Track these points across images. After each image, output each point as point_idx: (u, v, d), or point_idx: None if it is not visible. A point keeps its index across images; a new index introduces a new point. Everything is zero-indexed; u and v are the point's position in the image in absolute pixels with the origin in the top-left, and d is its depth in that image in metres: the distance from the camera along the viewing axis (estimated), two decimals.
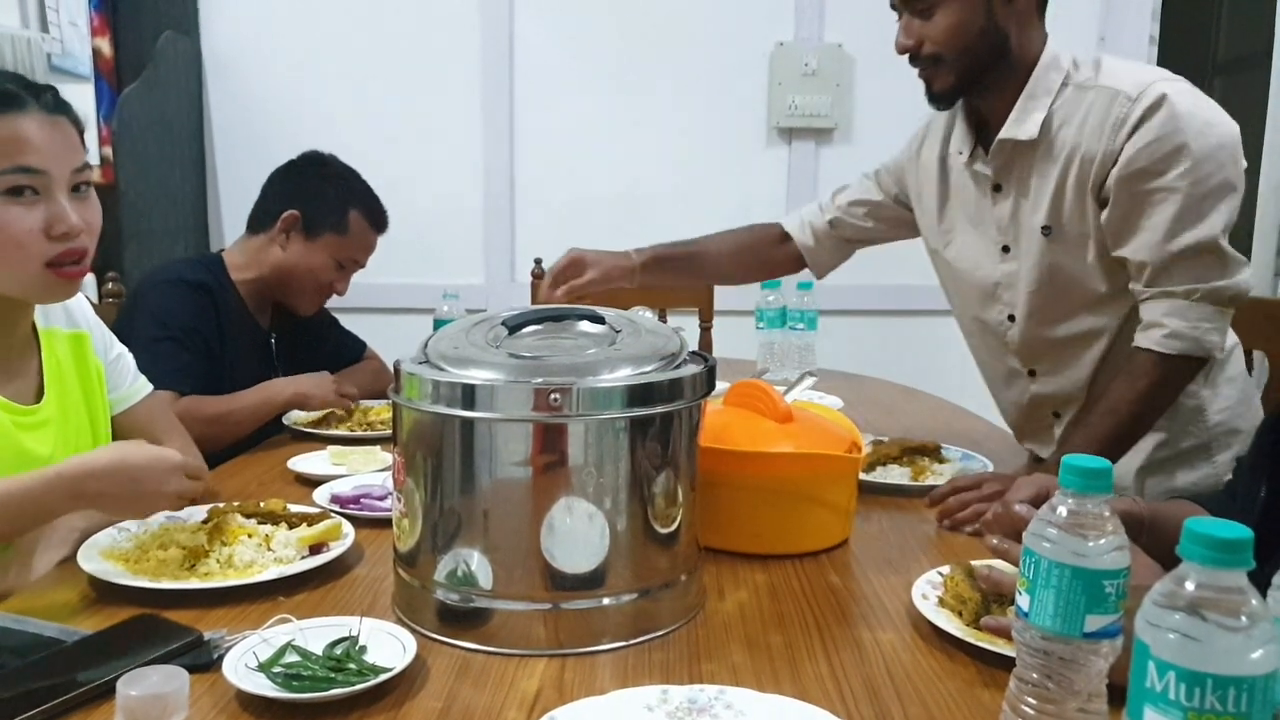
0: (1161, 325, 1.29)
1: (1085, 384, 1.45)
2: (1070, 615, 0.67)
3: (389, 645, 0.86)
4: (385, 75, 2.90)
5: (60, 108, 1.10)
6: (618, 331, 0.99)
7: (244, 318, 1.81)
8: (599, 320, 1.01)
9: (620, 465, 0.90)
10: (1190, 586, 0.55)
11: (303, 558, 1.07)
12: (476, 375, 0.89)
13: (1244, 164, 1.28)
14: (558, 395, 0.86)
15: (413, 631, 0.89)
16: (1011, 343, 1.50)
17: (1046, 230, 1.38)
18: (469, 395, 0.88)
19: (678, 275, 1.77)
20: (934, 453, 1.48)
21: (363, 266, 1.93)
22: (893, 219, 1.68)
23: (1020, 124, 1.36)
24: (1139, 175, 1.27)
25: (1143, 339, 1.31)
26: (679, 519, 0.95)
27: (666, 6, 2.91)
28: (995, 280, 1.48)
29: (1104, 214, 1.32)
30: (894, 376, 2.32)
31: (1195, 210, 1.24)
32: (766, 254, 1.79)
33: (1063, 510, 0.68)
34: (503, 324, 0.98)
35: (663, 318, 2.64)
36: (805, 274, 2.85)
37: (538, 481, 0.89)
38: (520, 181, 2.98)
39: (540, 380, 0.87)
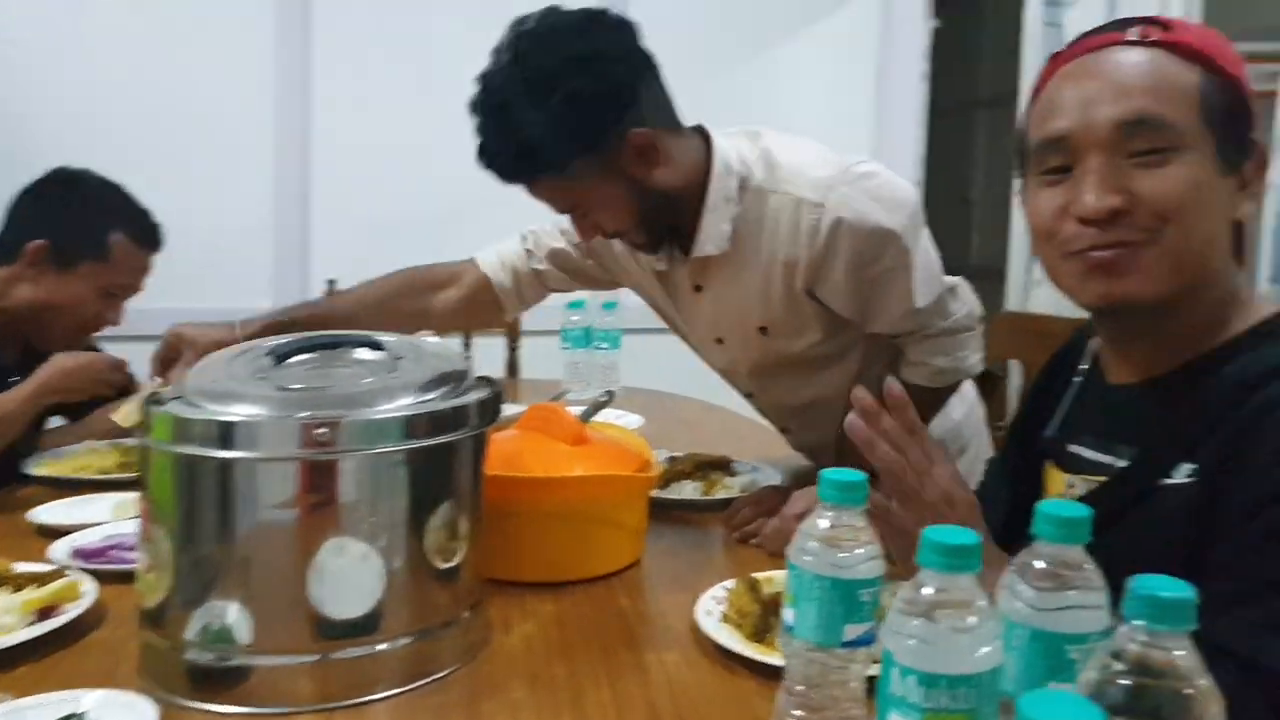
0: (927, 364, 1.38)
1: (836, 435, 1.48)
2: (830, 626, 0.70)
3: (125, 719, 0.77)
4: (165, 78, 2.68)
5: None
6: (398, 358, 0.95)
7: None
8: (378, 346, 0.97)
9: (397, 501, 0.86)
10: (927, 592, 0.58)
11: (29, 625, 0.93)
12: (237, 411, 0.83)
13: (921, 206, 1.32)
14: (325, 430, 0.81)
15: (158, 700, 0.80)
16: (763, 411, 1.60)
17: (763, 330, 1.38)
18: (226, 433, 0.82)
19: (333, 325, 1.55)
20: (725, 466, 1.52)
21: (138, 290, 1.73)
22: (594, 279, 1.62)
23: (709, 240, 1.31)
24: (860, 270, 1.28)
25: (911, 374, 1.38)
26: (461, 553, 0.92)
27: (468, 22, 2.87)
28: (720, 367, 1.53)
29: (841, 306, 1.33)
30: (698, 393, 2.37)
31: (922, 273, 1.30)
32: (423, 302, 1.63)
33: (822, 523, 0.71)
34: (269, 353, 0.92)
35: (468, 339, 2.60)
36: (610, 293, 2.91)
37: (304, 524, 0.83)
38: (316, 196, 2.84)
39: (306, 414, 0.82)
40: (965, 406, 1.58)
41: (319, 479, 0.83)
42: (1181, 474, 0.83)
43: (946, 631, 0.56)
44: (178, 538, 0.84)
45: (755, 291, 1.34)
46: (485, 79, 1.26)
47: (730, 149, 1.31)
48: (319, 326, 1.33)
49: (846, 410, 1.45)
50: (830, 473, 0.71)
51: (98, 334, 1.74)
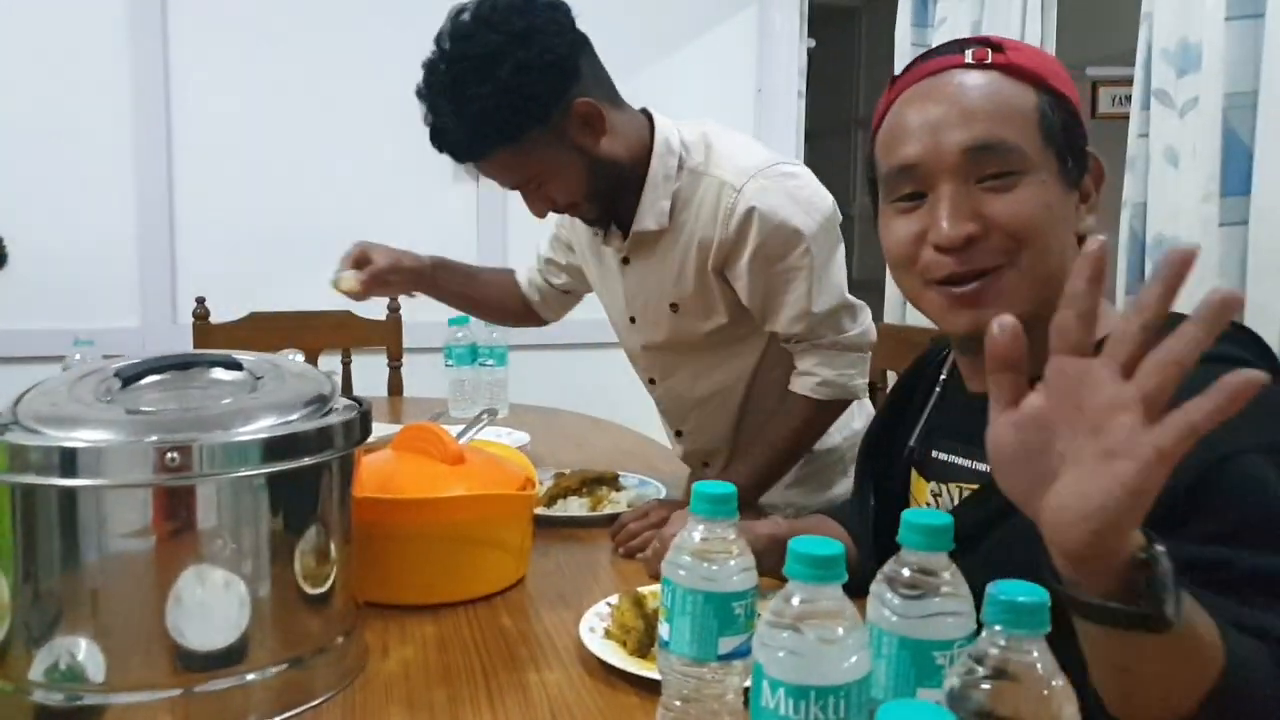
0: (814, 374, 1.42)
1: (729, 437, 1.58)
2: (705, 640, 0.70)
3: None
4: (19, 88, 2.53)
5: None
6: (258, 378, 0.91)
7: None
8: (236, 366, 0.92)
9: (260, 527, 0.83)
10: (795, 603, 0.59)
11: None
12: (80, 436, 0.78)
13: (839, 221, 1.41)
14: (175, 455, 0.77)
15: None
16: (660, 402, 1.62)
17: (674, 307, 1.45)
18: (69, 460, 0.76)
19: (453, 286, 1.73)
20: (612, 481, 1.52)
21: None
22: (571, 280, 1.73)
23: (649, 215, 1.39)
24: (764, 262, 1.35)
25: (797, 385, 1.43)
26: (332, 577, 0.89)
27: (337, 26, 2.79)
28: (629, 348, 1.59)
29: (743, 295, 1.39)
30: (587, 408, 2.37)
31: (823, 279, 1.37)
32: (517, 298, 1.80)
33: (695, 536, 0.71)
34: (115, 375, 0.86)
35: (347, 358, 2.52)
36: None
37: (160, 552, 0.79)
38: (181, 210, 2.71)
39: (156, 438, 0.78)
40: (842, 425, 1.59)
41: (174, 506, 0.79)
42: None
43: (814, 643, 0.57)
44: (17, 572, 0.78)
45: (674, 268, 1.42)
46: (431, 65, 1.30)
47: (672, 130, 1.39)
48: (468, 279, 1.74)
49: (740, 412, 1.53)
50: (702, 485, 0.72)
51: None
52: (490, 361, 2.23)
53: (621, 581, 1.17)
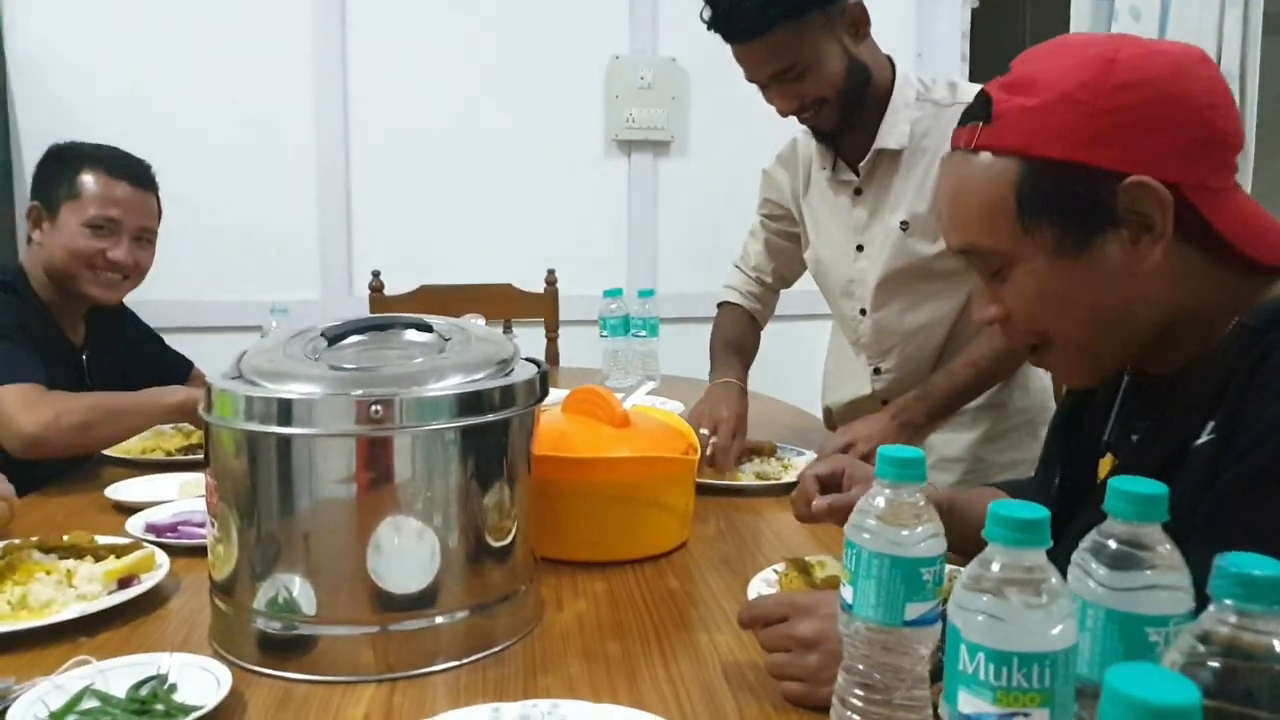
0: None
1: (925, 378, 1.56)
2: (891, 605, 0.69)
3: (202, 681, 0.79)
4: (211, 82, 2.73)
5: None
6: (447, 340, 0.96)
7: (52, 330, 1.65)
8: (427, 329, 0.97)
9: (450, 478, 0.87)
10: (995, 568, 0.57)
11: (110, 593, 0.98)
12: (294, 390, 0.84)
13: None
14: (379, 407, 0.82)
15: (230, 665, 0.83)
16: (863, 336, 1.62)
17: (904, 225, 1.51)
18: (285, 411, 0.83)
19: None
20: (771, 452, 1.52)
21: (143, 228, 1.69)
22: (793, 245, 1.75)
23: (890, 135, 1.49)
24: None
25: None
26: (514, 531, 0.93)
27: (504, 20, 2.88)
28: (849, 278, 1.61)
29: None
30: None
31: None
32: (755, 324, 1.82)
33: (880, 501, 0.70)
34: (322, 335, 0.93)
35: (508, 328, 2.61)
36: (647, 282, 2.91)
37: (362, 499, 0.84)
38: (357, 192, 2.87)
39: (361, 392, 0.83)
40: (1041, 382, 1.64)
41: (375, 455, 0.84)
42: (1206, 433, 0.80)
43: (1018, 607, 0.55)
44: (243, 512, 0.85)
45: (912, 186, 1.49)
46: None
47: (910, 70, 1.52)
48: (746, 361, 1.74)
49: (940, 351, 1.55)
50: (888, 449, 0.71)
51: (133, 285, 1.73)
52: (643, 332, 2.26)
53: (785, 549, 1.17)
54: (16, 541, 1.05)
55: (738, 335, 1.77)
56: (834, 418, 1.77)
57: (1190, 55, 0.82)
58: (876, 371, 1.64)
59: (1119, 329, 0.84)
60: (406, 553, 0.86)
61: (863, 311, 1.61)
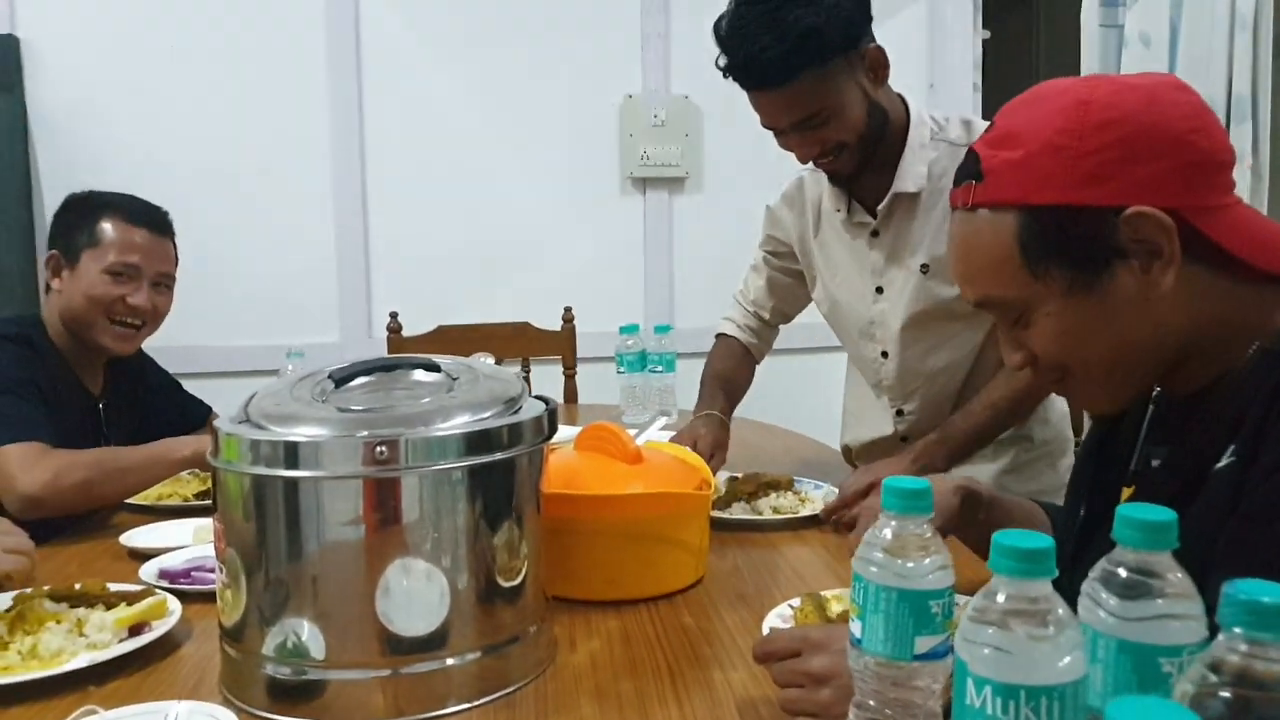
0: None
1: (947, 416, 1.57)
2: (900, 639, 0.68)
3: None
4: (229, 131, 2.79)
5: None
6: (454, 379, 0.96)
7: (69, 381, 1.67)
8: (434, 368, 0.98)
9: (458, 518, 0.87)
10: (1000, 599, 0.56)
11: (120, 641, 0.98)
12: (301, 432, 0.85)
13: None
14: (384, 448, 0.83)
15: (239, 711, 0.83)
16: (885, 379, 1.61)
17: (925, 268, 1.50)
18: (291, 453, 0.83)
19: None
20: (788, 486, 1.50)
21: (157, 272, 1.71)
22: (795, 282, 1.75)
23: (908, 178, 1.48)
24: None
25: None
26: (524, 570, 0.92)
27: (517, 60, 2.93)
28: (869, 319, 1.60)
29: None
30: (754, 415, 2.36)
31: None
32: (750, 358, 1.81)
33: (886, 533, 0.69)
34: (329, 377, 0.94)
35: (526, 367, 2.62)
36: (663, 317, 2.91)
37: (370, 541, 0.84)
38: (375, 235, 2.91)
39: (367, 433, 0.84)
40: (1059, 413, 1.65)
41: (382, 497, 0.84)
42: (1227, 455, 0.80)
43: (1023, 640, 0.54)
44: (251, 557, 0.85)
45: (931, 229, 1.48)
46: None
47: (922, 108, 1.51)
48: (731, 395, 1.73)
49: (962, 389, 1.54)
50: (893, 481, 0.70)
51: (150, 331, 1.74)
52: (659, 368, 2.26)
53: (801, 584, 1.15)
54: (28, 591, 1.05)
55: (729, 370, 1.76)
56: (854, 456, 1.76)
57: (1164, 84, 0.83)
58: (899, 413, 1.63)
59: (1141, 355, 0.84)
60: (415, 594, 0.86)
61: (885, 354, 1.60)
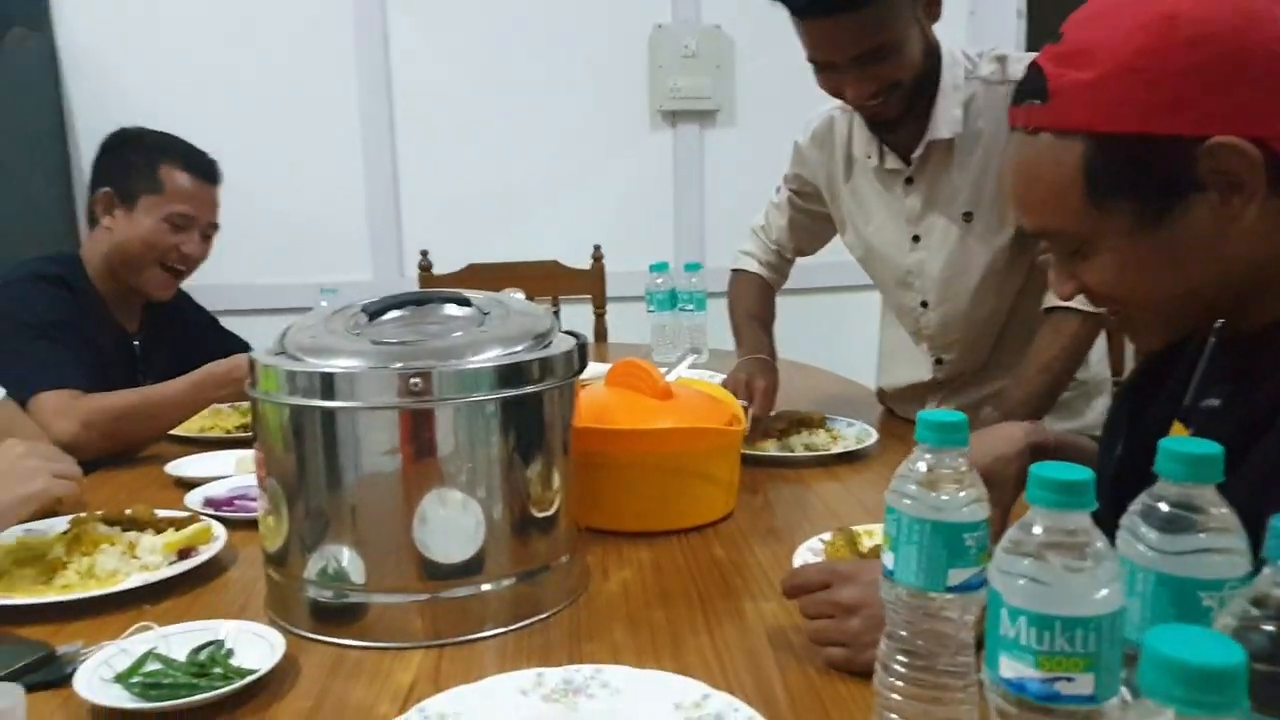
0: None
1: (986, 362, 1.56)
2: (933, 570, 0.68)
3: (257, 647, 0.82)
4: (259, 68, 2.77)
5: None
6: (485, 314, 0.97)
7: (105, 320, 1.70)
8: (465, 303, 0.98)
9: (492, 449, 0.88)
10: (1037, 531, 0.56)
11: (170, 564, 1.02)
12: (335, 364, 0.86)
13: None
14: (419, 380, 0.83)
15: (285, 632, 0.85)
16: (926, 328, 1.58)
17: (967, 216, 1.45)
18: (328, 385, 0.84)
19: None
20: (820, 424, 1.50)
21: (211, 224, 1.76)
22: (819, 224, 1.71)
23: (943, 124, 1.40)
24: None
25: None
26: (556, 501, 0.93)
27: None
28: (906, 268, 1.55)
29: None
30: (787, 353, 2.35)
31: None
32: (770, 290, 1.79)
33: (921, 465, 0.69)
34: (362, 310, 0.94)
35: (556, 305, 2.62)
36: (693, 255, 2.89)
37: (406, 470, 0.86)
38: (404, 173, 2.90)
39: (401, 365, 0.84)
40: (1098, 353, 1.60)
41: (417, 427, 0.86)
42: None
43: (1060, 571, 0.54)
44: (291, 486, 0.87)
45: (972, 174, 1.42)
46: None
47: (951, 45, 1.42)
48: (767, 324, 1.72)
49: (1000, 336, 1.50)
50: (928, 414, 0.69)
51: (189, 273, 1.77)
52: (690, 306, 2.25)
53: (833, 520, 1.16)
54: (83, 515, 1.09)
55: (761, 307, 1.73)
56: (888, 399, 1.75)
57: None
58: (938, 361, 1.60)
59: (1206, 292, 0.79)
60: (452, 523, 0.87)
61: (924, 304, 1.55)
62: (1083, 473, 0.55)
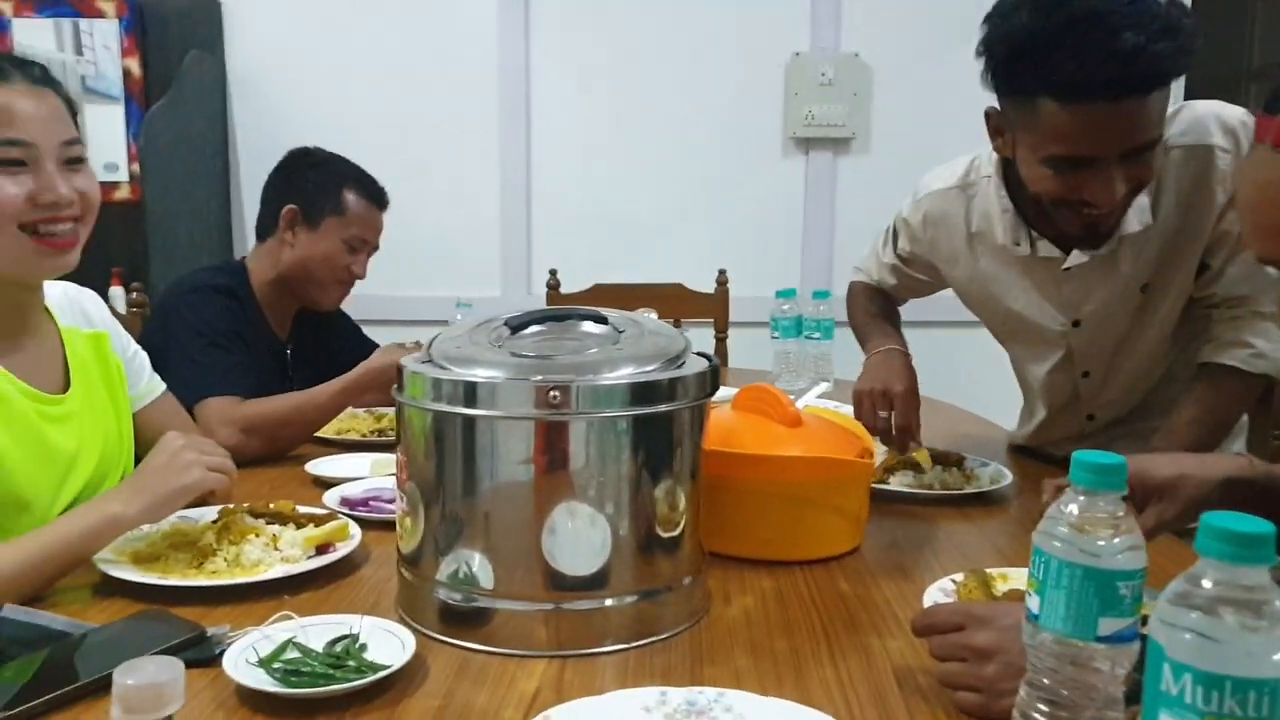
0: (1249, 345, 1.30)
1: (1136, 414, 1.49)
2: (1083, 618, 0.65)
3: (389, 644, 0.85)
4: (405, 92, 2.92)
5: (48, 82, 1.09)
6: (621, 332, 0.98)
7: (262, 327, 1.80)
8: (602, 321, 0.99)
9: (622, 465, 0.89)
10: (1208, 584, 0.52)
11: (309, 557, 1.06)
12: (478, 374, 0.88)
13: None
14: (557, 393, 0.85)
15: (414, 631, 0.88)
16: (1084, 393, 1.51)
17: (1145, 288, 1.35)
18: (470, 393, 0.87)
19: None
20: (958, 463, 1.45)
21: (375, 247, 1.88)
22: (930, 287, 1.67)
23: (1134, 215, 1.27)
24: None
25: (1226, 356, 1.32)
26: (682, 521, 0.93)
27: (682, 18, 2.92)
28: (1062, 349, 1.46)
29: (1218, 254, 1.31)
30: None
31: None
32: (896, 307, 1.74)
33: (1073, 508, 0.66)
34: (505, 324, 0.97)
35: (676, 326, 2.63)
36: (821, 283, 2.86)
37: (538, 481, 0.87)
38: (537, 194, 2.99)
39: (540, 378, 0.86)
40: None
41: (552, 439, 0.87)
42: None
43: (1234, 628, 0.51)
44: (429, 489, 0.90)
45: (1155, 249, 1.31)
46: None
47: None
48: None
49: (1153, 387, 1.43)
50: (1084, 454, 0.66)
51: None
52: (816, 334, 2.22)
53: (964, 560, 1.12)
54: (230, 506, 1.15)
55: (883, 307, 1.65)
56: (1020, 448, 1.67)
57: None
58: (1090, 418, 1.53)
59: None
60: (579, 536, 0.88)
61: (1086, 374, 1.47)
62: (1262, 525, 0.52)
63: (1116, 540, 0.65)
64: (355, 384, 1.59)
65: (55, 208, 1.07)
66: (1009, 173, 1.34)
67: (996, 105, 1.24)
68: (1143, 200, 1.27)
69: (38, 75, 1.08)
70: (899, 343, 1.52)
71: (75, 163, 1.10)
